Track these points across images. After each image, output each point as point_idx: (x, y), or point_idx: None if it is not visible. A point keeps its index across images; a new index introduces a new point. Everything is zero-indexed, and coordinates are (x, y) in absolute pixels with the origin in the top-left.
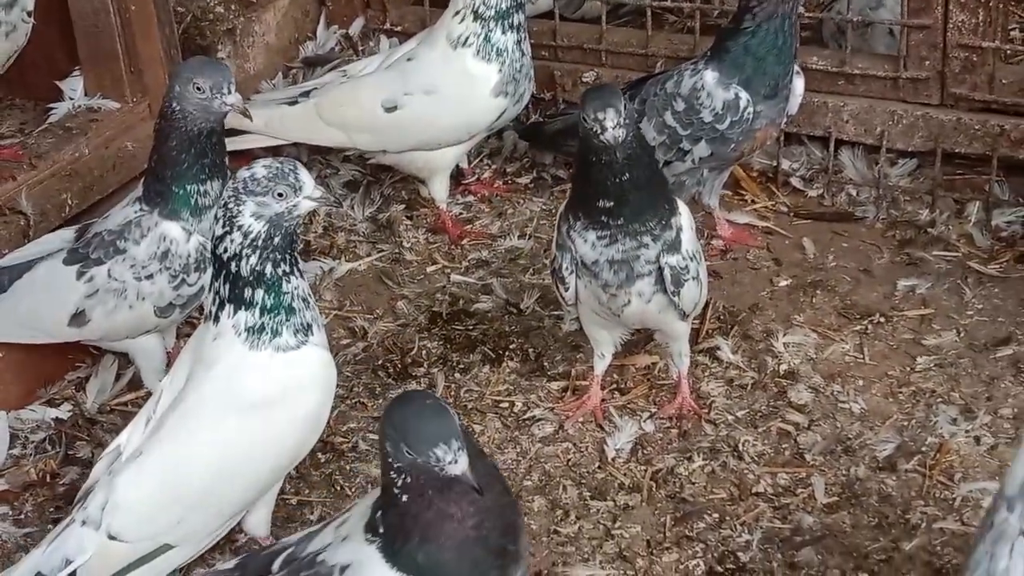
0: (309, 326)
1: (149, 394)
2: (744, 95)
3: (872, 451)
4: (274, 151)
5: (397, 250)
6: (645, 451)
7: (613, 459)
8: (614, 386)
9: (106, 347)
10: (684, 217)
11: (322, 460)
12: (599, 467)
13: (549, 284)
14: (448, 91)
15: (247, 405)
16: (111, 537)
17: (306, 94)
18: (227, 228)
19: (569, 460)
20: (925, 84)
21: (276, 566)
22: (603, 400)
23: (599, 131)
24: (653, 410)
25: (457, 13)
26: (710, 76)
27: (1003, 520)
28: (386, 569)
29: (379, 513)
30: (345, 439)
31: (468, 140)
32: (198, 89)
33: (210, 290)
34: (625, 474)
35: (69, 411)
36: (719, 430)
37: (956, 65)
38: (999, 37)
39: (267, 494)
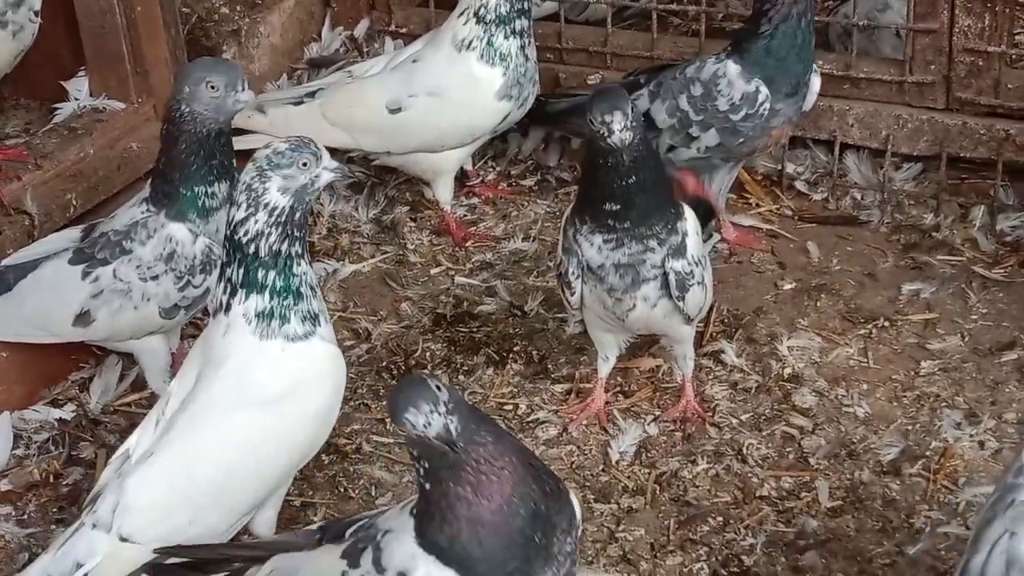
0: (316, 316)
1: (153, 395)
2: (764, 90)
3: (876, 455)
4: None
5: (401, 252)
6: (649, 454)
7: (617, 462)
8: (618, 389)
9: (110, 347)
10: (690, 222)
11: (326, 462)
12: (603, 470)
13: (553, 286)
14: (452, 93)
15: (258, 401)
16: (122, 539)
17: (311, 95)
18: (251, 209)
19: (573, 463)
20: (931, 88)
21: (348, 532)
22: (607, 403)
23: (606, 134)
24: (657, 413)
25: (462, 15)
26: (733, 67)
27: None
28: (413, 543)
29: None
30: (349, 441)
31: (472, 142)
32: (212, 88)
33: (220, 280)
34: (629, 477)
35: (73, 411)
36: (723, 433)
37: (962, 69)
38: (1005, 41)
39: (275, 494)
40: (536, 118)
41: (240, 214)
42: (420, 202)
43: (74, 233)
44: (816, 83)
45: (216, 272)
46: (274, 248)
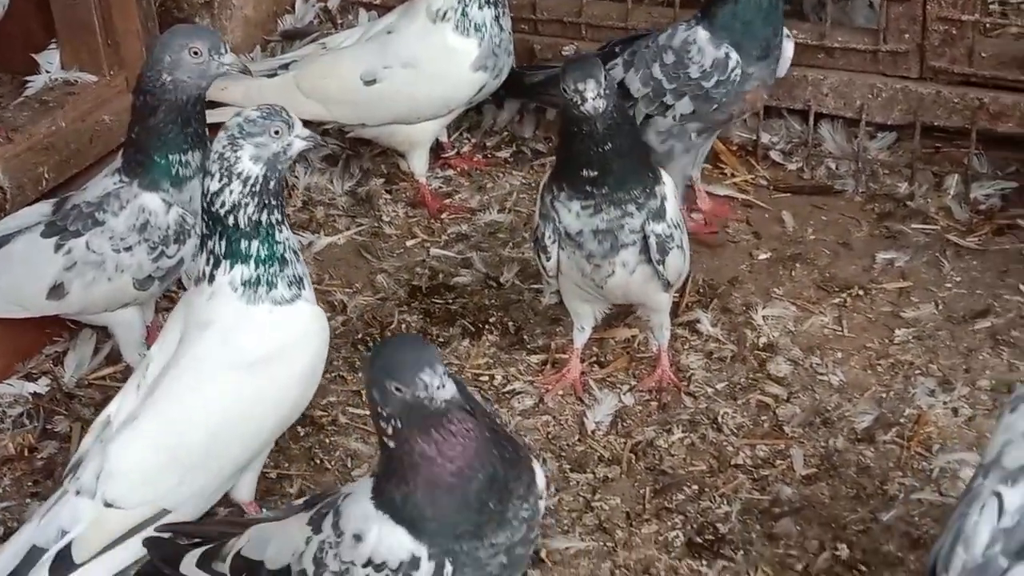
0: (301, 279)
1: (127, 368)
2: (734, 56)
3: (851, 423)
4: None
5: (376, 224)
6: (625, 424)
7: (593, 432)
8: (594, 359)
9: (85, 320)
10: (668, 186)
11: (302, 434)
12: (579, 440)
13: (529, 257)
14: (427, 65)
15: (244, 362)
16: (107, 505)
17: (285, 67)
18: (225, 179)
19: (549, 433)
20: (904, 57)
21: (322, 503)
22: (583, 373)
23: (579, 102)
24: (633, 383)
25: None
26: (703, 33)
27: (979, 485)
28: (369, 504)
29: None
30: (325, 413)
31: (447, 114)
32: (195, 53)
33: (203, 251)
34: (605, 447)
35: (47, 385)
36: (699, 402)
37: (935, 38)
38: (978, 10)
39: (258, 457)
40: (513, 90)
41: (215, 185)
42: (395, 174)
43: (46, 207)
44: (789, 48)
45: (190, 242)
46: (253, 219)
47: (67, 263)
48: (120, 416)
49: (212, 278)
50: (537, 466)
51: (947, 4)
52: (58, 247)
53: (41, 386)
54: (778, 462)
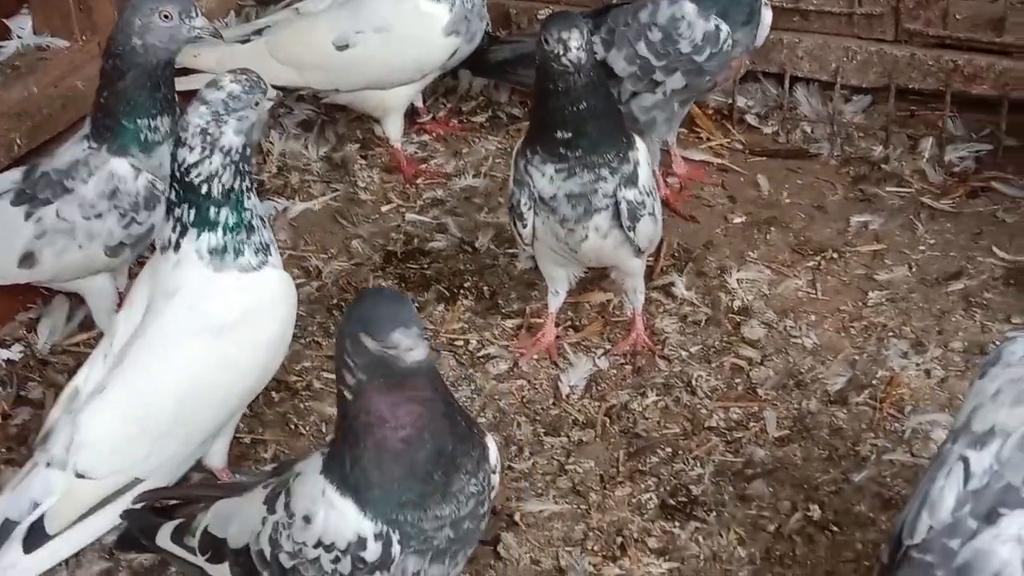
0: (267, 246)
1: (101, 334)
2: (724, 27)
3: (824, 385)
4: None
5: (352, 189)
6: (599, 387)
7: (567, 396)
8: (568, 323)
9: (57, 287)
10: (641, 152)
11: (276, 399)
12: (553, 403)
13: (504, 222)
14: (399, 30)
15: (212, 328)
16: (79, 475)
17: (259, 32)
18: (207, 152)
19: (523, 397)
20: (879, 20)
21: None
22: (557, 337)
23: (562, 52)
24: (607, 347)
25: None
26: (689, 6)
27: (947, 450)
28: (318, 482)
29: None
30: (299, 378)
31: (421, 79)
32: (165, 17)
33: (169, 218)
34: (579, 410)
35: (20, 352)
36: (673, 366)
37: (910, 1)
38: None
39: (229, 424)
40: (478, 67)
41: (193, 157)
42: (370, 140)
43: (16, 174)
44: (767, 16)
45: (161, 208)
46: (226, 186)
47: (37, 231)
48: (88, 386)
49: (178, 246)
50: (491, 442)
51: None
52: (28, 215)
53: (15, 352)
54: (751, 424)
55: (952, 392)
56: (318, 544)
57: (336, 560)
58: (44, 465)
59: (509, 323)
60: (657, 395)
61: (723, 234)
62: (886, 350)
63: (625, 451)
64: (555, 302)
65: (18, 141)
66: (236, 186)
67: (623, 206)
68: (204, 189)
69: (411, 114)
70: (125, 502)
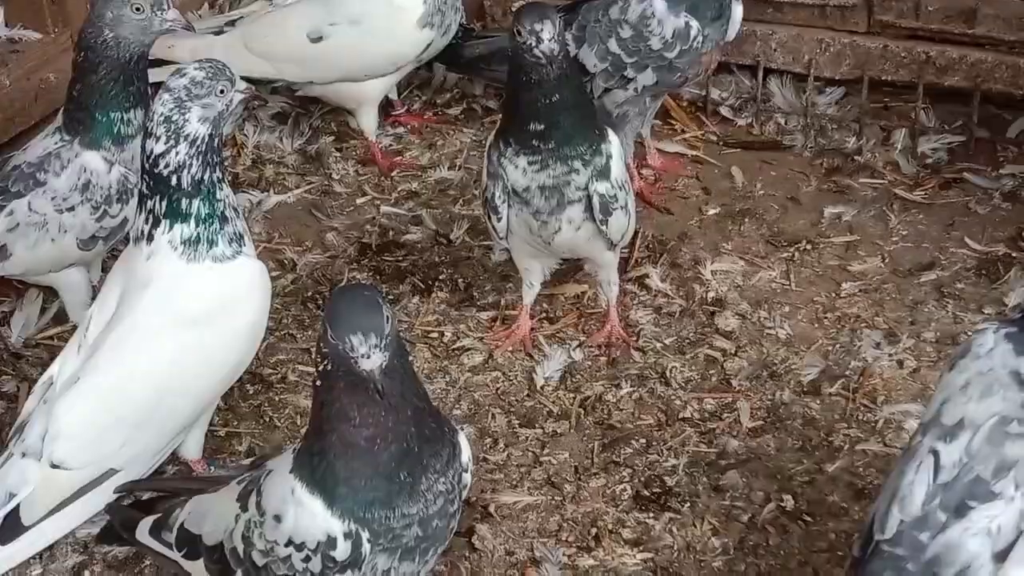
0: (241, 236)
1: (75, 328)
2: (695, 23)
3: (797, 375)
4: None
5: (326, 182)
6: (574, 379)
7: (542, 387)
8: (543, 315)
9: (30, 281)
10: (615, 145)
11: (251, 391)
12: (528, 395)
13: (479, 215)
14: (373, 22)
15: (187, 319)
16: (54, 466)
17: (232, 24)
18: (172, 142)
19: (498, 389)
20: (852, 12)
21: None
22: (532, 329)
23: (535, 43)
24: (582, 338)
25: None
26: (659, 3)
27: (917, 443)
28: (287, 482)
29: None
30: (274, 371)
31: (395, 72)
32: (137, 10)
33: (141, 211)
34: (554, 402)
35: None
36: (647, 357)
37: None
38: None
39: (204, 414)
40: (452, 64)
41: (159, 147)
42: (345, 132)
43: None
44: (738, 12)
45: (133, 201)
46: (196, 177)
47: (9, 224)
48: (62, 377)
49: (151, 238)
50: (463, 441)
51: None
52: (0, 209)
53: None
54: (725, 415)
55: (924, 382)
56: (289, 543)
57: (307, 559)
58: (19, 455)
59: (484, 315)
60: (631, 386)
61: (697, 226)
62: (859, 341)
63: (600, 442)
64: (530, 294)
65: None
66: (206, 177)
67: (595, 199)
68: (174, 180)
69: (386, 106)
70: (101, 493)
